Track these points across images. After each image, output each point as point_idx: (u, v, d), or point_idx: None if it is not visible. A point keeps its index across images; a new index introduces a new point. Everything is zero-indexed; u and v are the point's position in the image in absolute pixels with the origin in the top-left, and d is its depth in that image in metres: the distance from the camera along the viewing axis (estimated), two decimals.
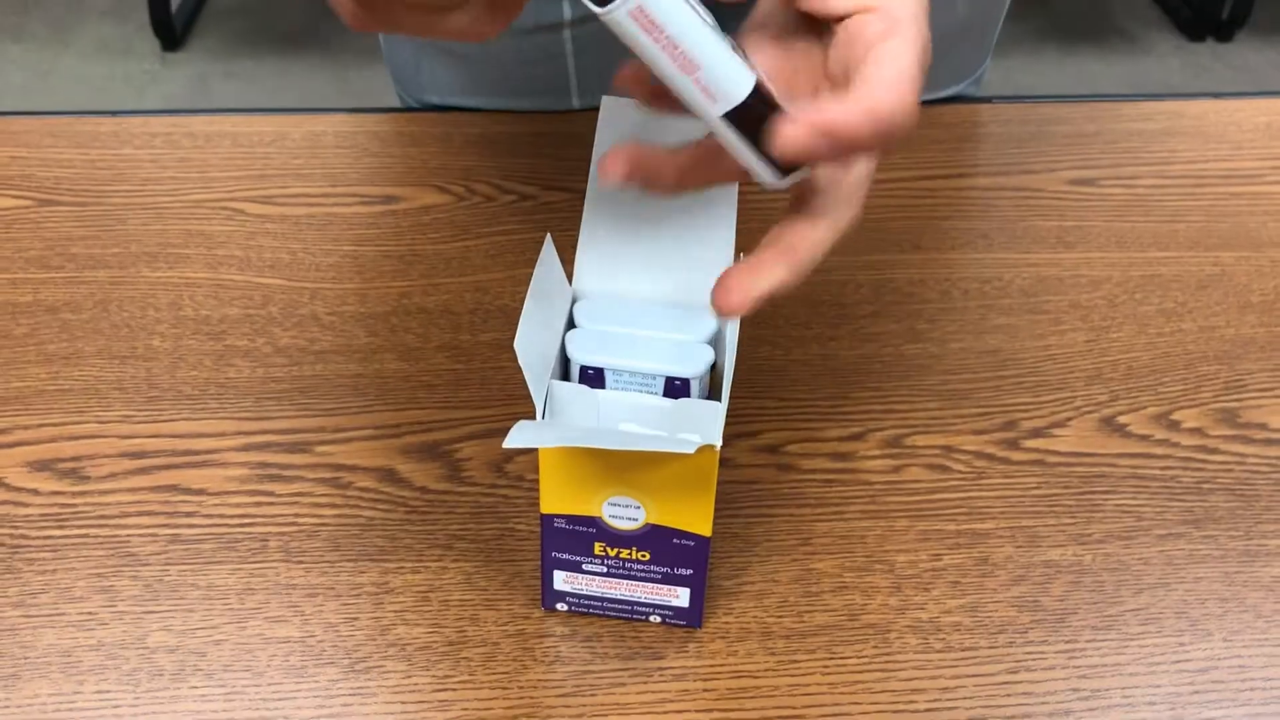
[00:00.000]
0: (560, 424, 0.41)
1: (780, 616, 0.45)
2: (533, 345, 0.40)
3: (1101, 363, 0.56)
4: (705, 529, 0.41)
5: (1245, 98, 0.73)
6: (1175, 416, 0.53)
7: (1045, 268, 0.61)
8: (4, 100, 2.17)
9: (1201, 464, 0.51)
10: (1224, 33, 2.38)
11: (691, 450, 0.36)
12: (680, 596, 0.43)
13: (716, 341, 0.44)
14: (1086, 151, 0.68)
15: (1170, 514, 0.49)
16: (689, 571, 0.42)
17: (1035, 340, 0.57)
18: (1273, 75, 2.32)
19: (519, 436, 0.36)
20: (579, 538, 0.42)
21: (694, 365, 0.43)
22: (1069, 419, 0.53)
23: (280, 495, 0.49)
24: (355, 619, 0.45)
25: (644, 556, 0.42)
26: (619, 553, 0.42)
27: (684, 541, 0.41)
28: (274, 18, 2.41)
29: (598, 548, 0.42)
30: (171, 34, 2.28)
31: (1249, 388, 0.55)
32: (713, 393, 0.44)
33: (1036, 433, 0.52)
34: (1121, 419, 0.53)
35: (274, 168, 0.66)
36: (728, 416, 0.52)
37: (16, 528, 0.47)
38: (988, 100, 0.72)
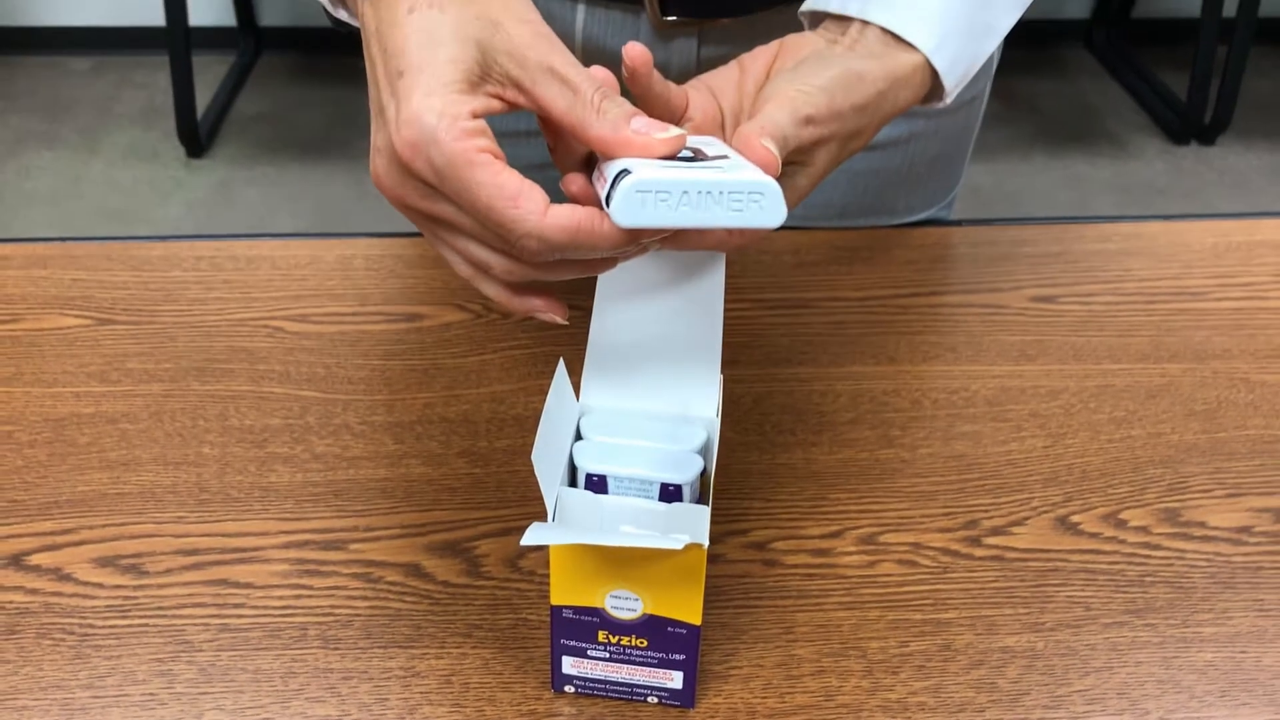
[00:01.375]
0: (569, 526, 0.47)
1: (764, 697, 0.51)
2: (546, 457, 0.46)
3: (1057, 466, 0.62)
4: (696, 618, 0.47)
5: (1194, 219, 0.80)
6: (1123, 516, 0.59)
7: (1008, 379, 0.67)
8: (35, 204, 2.27)
9: (1145, 559, 0.57)
10: (1207, 137, 2.48)
11: (680, 547, 0.42)
12: (675, 679, 0.49)
13: (706, 450, 0.51)
14: (1048, 271, 0.75)
15: (1115, 604, 0.55)
16: (682, 656, 0.48)
17: (997, 446, 0.63)
18: (1253, 177, 2.41)
19: (534, 536, 0.42)
20: (585, 626, 0.48)
21: (686, 473, 0.49)
22: (1026, 518, 0.59)
23: (318, 588, 0.55)
24: (386, 699, 0.50)
25: (642, 643, 0.48)
26: (620, 640, 0.48)
27: (677, 630, 0.47)
28: (294, 126, 2.52)
29: (601, 635, 0.48)
30: (197, 141, 2.39)
31: (1191, 489, 0.61)
32: (703, 496, 0.50)
33: (996, 531, 0.58)
34: (1074, 518, 0.59)
35: (309, 289, 0.73)
36: (718, 516, 0.58)
37: (85, 618, 0.53)
38: (958, 223, 0.79)
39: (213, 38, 2.61)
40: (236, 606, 0.54)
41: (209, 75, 2.53)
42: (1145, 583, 0.56)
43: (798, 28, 0.69)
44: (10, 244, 0.76)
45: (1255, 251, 0.77)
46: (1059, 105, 2.64)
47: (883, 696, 0.51)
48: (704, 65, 0.69)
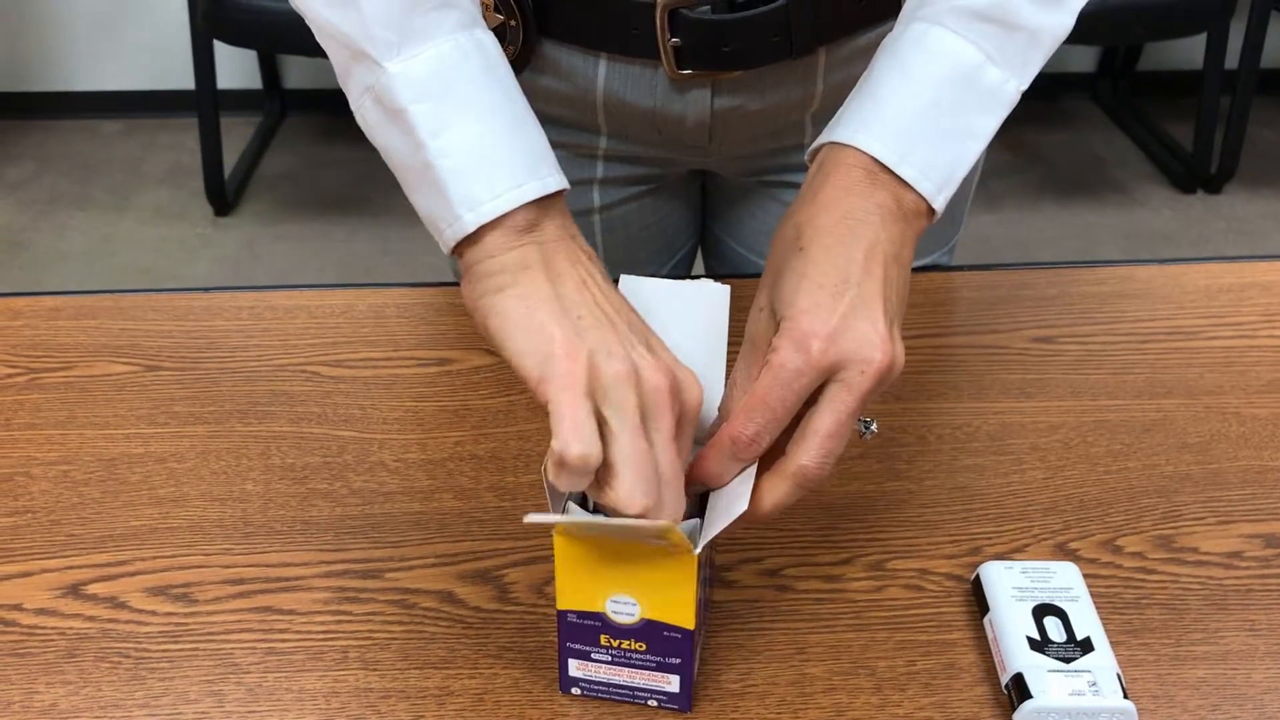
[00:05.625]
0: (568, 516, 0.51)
1: (779, 713, 0.53)
2: None
3: (1056, 497, 0.65)
4: (689, 622, 0.50)
5: (1186, 263, 0.84)
6: (1119, 542, 0.62)
7: (1009, 415, 0.70)
8: (68, 262, 2.33)
9: (1140, 583, 0.60)
10: (1213, 185, 2.52)
11: (663, 524, 0.46)
12: (672, 683, 0.52)
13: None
14: (1047, 312, 0.79)
15: (1113, 625, 0.57)
16: (677, 660, 0.51)
17: (999, 478, 0.66)
18: (1259, 223, 2.44)
19: (535, 518, 0.46)
20: (588, 630, 0.51)
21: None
22: (1027, 545, 0.62)
23: (357, 614, 0.58)
24: (422, 716, 0.53)
25: (641, 647, 0.51)
26: (621, 644, 0.51)
27: (672, 634, 0.50)
28: (318, 185, 2.58)
29: (603, 639, 0.51)
30: (224, 200, 2.45)
31: (1184, 517, 0.64)
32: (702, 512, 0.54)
33: (999, 558, 0.61)
34: (1073, 545, 0.62)
35: (344, 335, 0.77)
36: (733, 545, 0.61)
37: (140, 643, 0.57)
38: (960, 269, 0.83)
39: (239, 100, 2.68)
40: (281, 631, 0.57)
41: (235, 136, 2.60)
42: (1141, 605, 0.59)
43: (805, 75, 0.73)
44: (61, 296, 0.80)
45: (1245, 293, 0.80)
46: (1067, 156, 2.68)
47: (891, 712, 0.53)
48: (718, 114, 0.74)
